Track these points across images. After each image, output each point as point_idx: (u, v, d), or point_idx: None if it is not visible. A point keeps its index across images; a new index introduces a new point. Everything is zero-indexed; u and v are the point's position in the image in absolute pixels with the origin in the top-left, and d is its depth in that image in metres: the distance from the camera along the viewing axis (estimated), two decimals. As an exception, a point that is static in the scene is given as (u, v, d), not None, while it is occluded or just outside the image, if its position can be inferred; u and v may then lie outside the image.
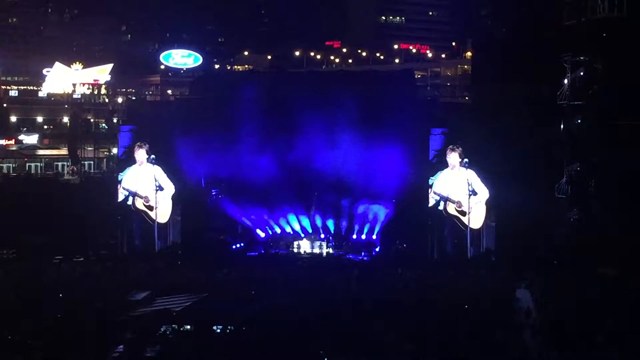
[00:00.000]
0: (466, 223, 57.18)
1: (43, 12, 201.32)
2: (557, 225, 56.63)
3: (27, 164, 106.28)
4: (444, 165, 57.73)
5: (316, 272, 52.11)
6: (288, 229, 62.94)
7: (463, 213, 57.29)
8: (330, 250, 61.48)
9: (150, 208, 59.57)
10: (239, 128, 60.12)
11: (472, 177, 57.03)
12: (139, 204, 59.77)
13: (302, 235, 62.42)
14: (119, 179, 60.09)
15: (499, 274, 50.14)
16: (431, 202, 57.62)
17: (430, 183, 57.53)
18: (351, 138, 58.78)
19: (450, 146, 57.50)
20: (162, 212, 59.64)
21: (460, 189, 57.28)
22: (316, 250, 61.53)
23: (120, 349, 35.28)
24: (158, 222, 59.57)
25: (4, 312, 39.36)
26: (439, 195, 57.49)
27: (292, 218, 62.84)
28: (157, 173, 59.29)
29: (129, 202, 59.81)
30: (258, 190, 60.98)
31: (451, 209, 57.61)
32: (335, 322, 37.86)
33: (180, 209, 59.87)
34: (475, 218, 57.08)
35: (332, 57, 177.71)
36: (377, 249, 60.88)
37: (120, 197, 59.81)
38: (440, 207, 57.62)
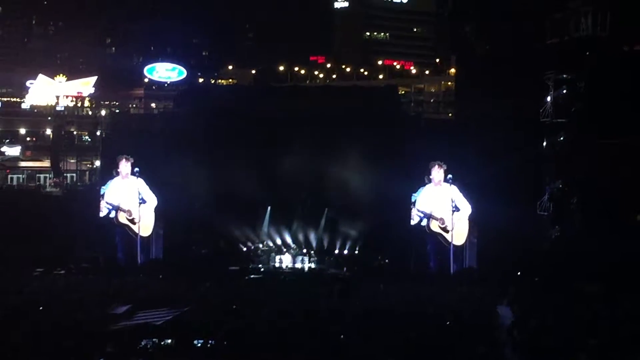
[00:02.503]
0: (449, 239, 57.18)
1: (27, 24, 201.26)
2: (539, 242, 56.75)
3: (9, 176, 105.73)
4: (426, 181, 57.70)
5: (298, 286, 52.05)
6: (270, 243, 62.80)
7: (446, 230, 57.27)
8: (313, 265, 61.37)
9: (133, 221, 59.35)
10: (222, 142, 60.12)
11: (455, 192, 57.05)
12: (122, 218, 59.52)
13: (284, 249, 62.29)
14: (102, 192, 59.81)
15: (481, 290, 50.19)
16: (415, 220, 57.58)
17: (413, 200, 57.51)
18: (334, 153, 58.77)
19: (433, 162, 57.50)
20: (145, 225, 59.45)
21: (443, 205, 57.26)
22: (298, 265, 61.38)
23: (100, 362, 35.14)
24: (140, 236, 59.39)
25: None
26: (422, 212, 57.47)
27: (274, 232, 62.71)
28: (141, 186, 59.11)
29: (112, 216, 59.60)
30: (240, 203, 60.84)
31: (434, 226, 57.57)
32: (316, 336, 37.81)
33: (163, 222, 59.71)
34: (458, 234, 57.08)
35: (316, 72, 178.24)
36: (359, 264, 60.68)
37: (104, 212, 59.48)
38: (424, 224, 57.63)
